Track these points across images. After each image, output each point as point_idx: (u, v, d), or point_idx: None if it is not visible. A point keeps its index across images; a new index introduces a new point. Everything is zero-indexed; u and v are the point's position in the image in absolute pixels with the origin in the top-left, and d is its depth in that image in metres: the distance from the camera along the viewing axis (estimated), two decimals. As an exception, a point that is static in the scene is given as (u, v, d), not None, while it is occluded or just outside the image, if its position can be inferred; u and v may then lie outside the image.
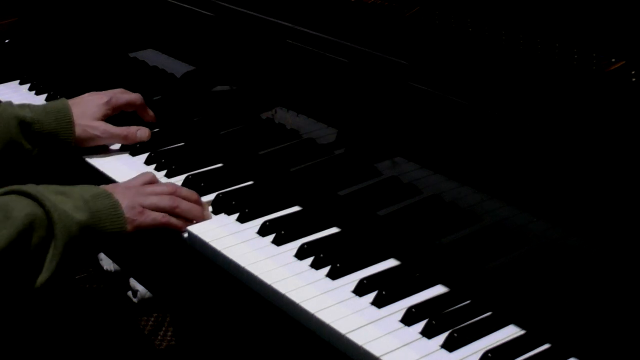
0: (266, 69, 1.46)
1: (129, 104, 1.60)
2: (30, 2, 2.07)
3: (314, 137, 1.37)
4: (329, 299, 1.13)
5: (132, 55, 1.80)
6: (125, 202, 1.25)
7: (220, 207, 1.34)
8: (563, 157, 1.03)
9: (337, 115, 1.33)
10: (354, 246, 1.24)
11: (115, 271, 2.63)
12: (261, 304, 1.18)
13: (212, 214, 1.33)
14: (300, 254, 1.22)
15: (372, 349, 1.04)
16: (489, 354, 1.02)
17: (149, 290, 2.37)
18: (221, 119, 1.58)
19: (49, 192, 1.20)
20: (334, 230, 1.29)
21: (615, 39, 1.08)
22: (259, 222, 1.30)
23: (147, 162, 1.51)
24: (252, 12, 1.46)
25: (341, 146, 1.34)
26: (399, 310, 1.10)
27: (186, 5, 1.59)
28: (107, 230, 1.21)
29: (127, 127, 1.56)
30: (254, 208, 1.32)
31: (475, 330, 1.06)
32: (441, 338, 1.05)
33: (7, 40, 2.07)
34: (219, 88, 1.60)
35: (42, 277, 1.16)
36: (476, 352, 1.04)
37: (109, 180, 1.46)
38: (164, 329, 2.52)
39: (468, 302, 1.12)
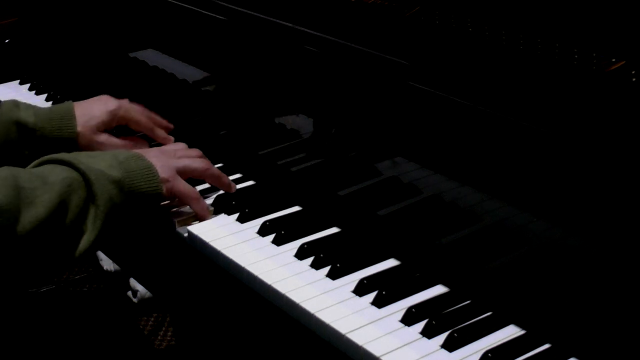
0: (265, 69, 1.46)
1: (137, 123, 1.52)
2: (30, 2, 2.07)
3: (313, 137, 1.37)
4: (329, 299, 1.13)
5: (132, 55, 1.80)
6: (158, 163, 1.26)
7: (220, 207, 1.34)
8: (563, 157, 1.03)
9: (337, 115, 1.33)
10: (354, 246, 1.24)
11: (115, 271, 2.63)
12: (261, 304, 1.18)
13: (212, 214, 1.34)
14: (300, 254, 1.22)
15: (372, 349, 1.04)
16: (489, 354, 1.02)
17: (149, 290, 2.37)
18: (220, 118, 1.58)
19: (82, 156, 1.21)
20: (334, 230, 1.29)
21: (615, 39, 1.08)
22: (259, 222, 1.30)
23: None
24: (252, 12, 1.46)
25: (341, 146, 1.34)
26: (399, 310, 1.10)
27: (186, 5, 1.58)
28: (142, 190, 1.22)
29: (132, 138, 1.52)
30: (254, 208, 1.32)
31: (475, 330, 1.06)
32: (441, 338, 1.05)
33: (7, 40, 2.07)
34: (216, 88, 1.60)
35: (87, 238, 1.16)
36: (476, 352, 1.03)
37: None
38: (164, 329, 2.52)
39: (468, 302, 1.12)
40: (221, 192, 1.37)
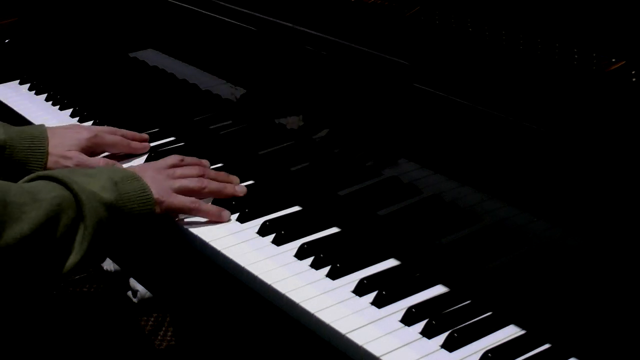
0: (265, 69, 1.46)
1: (113, 146, 1.50)
2: (30, 2, 2.07)
3: (313, 136, 1.37)
4: (329, 299, 1.13)
5: (132, 55, 1.80)
6: (154, 185, 1.25)
7: (220, 207, 1.34)
8: (563, 157, 1.03)
9: (337, 115, 1.33)
10: (354, 246, 1.24)
11: (115, 271, 2.63)
12: (261, 304, 1.18)
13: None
14: (300, 254, 1.22)
15: (372, 349, 1.04)
16: (489, 354, 1.02)
17: (149, 290, 2.37)
18: (220, 118, 1.58)
19: (77, 175, 1.20)
20: (334, 230, 1.29)
21: (615, 39, 1.08)
22: (259, 222, 1.30)
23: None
24: (252, 12, 1.46)
25: (341, 146, 1.34)
26: (399, 310, 1.10)
27: (186, 6, 1.58)
28: (135, 212, 1.21)
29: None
30: (254, 208, 1.32)
31: (475, 330, 1.06)
32: (441, 338, 1.05)
33: (7, 40, 2.07)
34: (216, 88, 1.60)
35: (73, 259, 1.15)
36: (476, 352, 1.03)
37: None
38: (164, 329, 2.52)
39: (468, 302, 1.12)
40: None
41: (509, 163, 1.09)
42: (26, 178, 1.21)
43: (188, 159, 1.37)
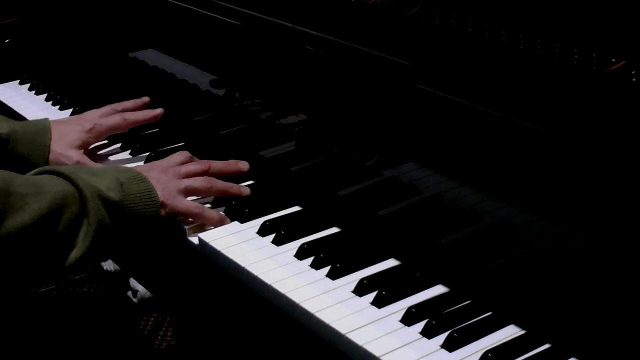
0: (265, 69, 1.46)
1: (113, 129, 1.51)
2: (30, 2, 2.07)
3: (313, 136, 1.37)
4: (329, 299, 1.13)
5: (132, 55, 1.80)
6: (159, 186, 1.25)
7: (220, 207, 1.34)
8: (563, 157, 1.03)
9: (337, 115, 1.33)
10: (354, 246, 1.24)
11: (115, 271, 2.63)
12: (261, 304, 1.18)
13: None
14: (300, 254, 1.22)
15: (372, 349, 1.04)
16: (489, 354, 1.02)
17: (149, 290, 2.37)
18: (220, 119, 1.58)
19: (83, 173, 1.20)
20: (334, 230, 1.29)
21: (615, 39, 1.08)
22: (258, 222, 1.30)
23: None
24: (251, 12, 1.46)
25: (341, 146, 1.34)
26: (399, 310, 1.10)
27: (186, 6, 1.58)
28: (139, 213, 1.21)
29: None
30: (254, 208, 1.32)
31: (475, 330, 1.06)
32: (441, 338, 1.05)
33: (7, 40, 2.07)
34: (216, 88, 1.60)
35: (75, 254, 1.15)
36: (476, 352, 1.03)
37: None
38: (164, 329, 2.52)
39: (468, 302, 1.12)
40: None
41: (509, 163, 1.09)
42: (33, 171, 1.22)
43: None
